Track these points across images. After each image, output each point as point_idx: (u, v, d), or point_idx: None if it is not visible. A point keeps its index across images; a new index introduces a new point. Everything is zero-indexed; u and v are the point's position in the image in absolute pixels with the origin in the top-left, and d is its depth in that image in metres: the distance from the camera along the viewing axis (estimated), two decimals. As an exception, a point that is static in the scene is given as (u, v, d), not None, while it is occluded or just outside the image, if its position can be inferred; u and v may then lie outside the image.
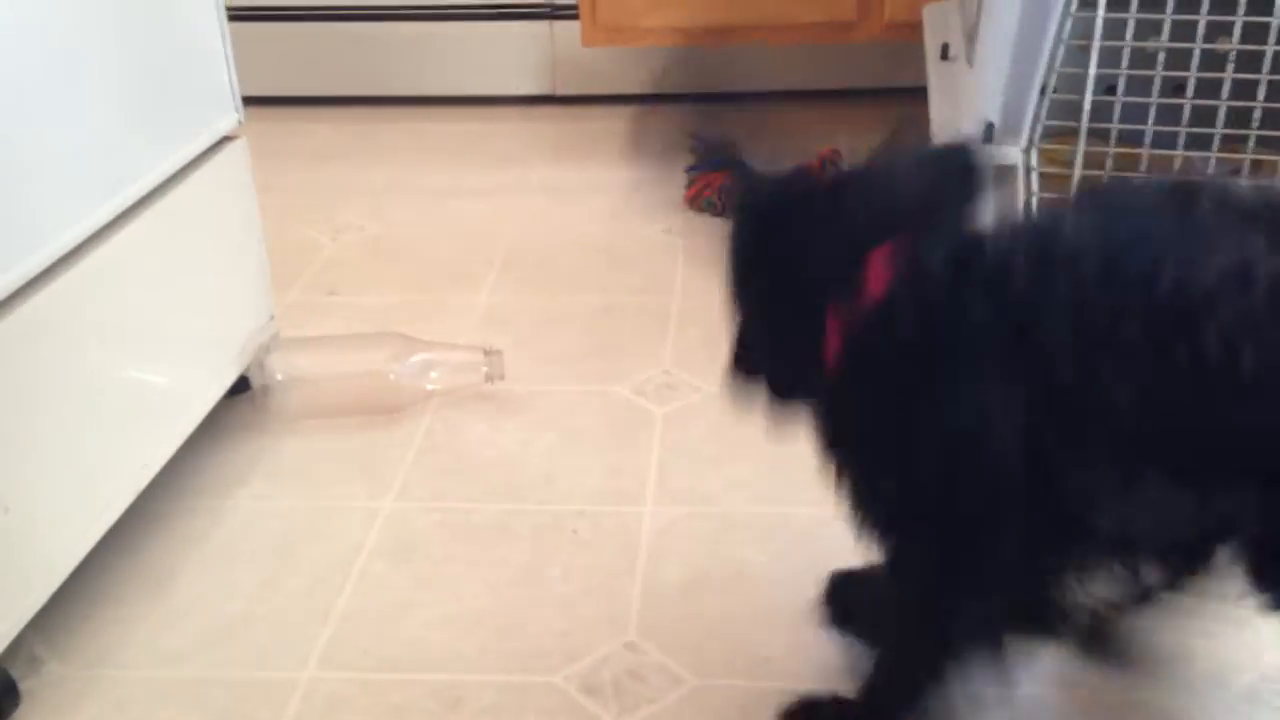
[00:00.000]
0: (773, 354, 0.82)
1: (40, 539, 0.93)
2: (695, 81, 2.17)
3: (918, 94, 1.51)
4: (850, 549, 0.93)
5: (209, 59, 1.17)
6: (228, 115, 1.20)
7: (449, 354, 1.29)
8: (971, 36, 1.25)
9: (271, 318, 1.31)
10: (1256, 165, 1.28)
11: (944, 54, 1.46)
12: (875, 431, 0.75)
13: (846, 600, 0.94)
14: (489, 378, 1.28)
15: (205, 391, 1.17)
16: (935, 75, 1.44)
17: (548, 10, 2.14)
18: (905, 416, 0.73)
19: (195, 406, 1.15)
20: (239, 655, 0.96)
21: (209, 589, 1.03)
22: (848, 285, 0.74)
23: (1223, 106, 1.14)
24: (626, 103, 2.18)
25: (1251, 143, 1.18)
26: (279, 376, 1.23)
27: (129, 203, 1.04)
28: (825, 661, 0.92)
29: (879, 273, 0.73)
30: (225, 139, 1.21)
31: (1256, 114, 1.13)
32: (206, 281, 1.18)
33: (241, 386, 1.28)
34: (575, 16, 1.97)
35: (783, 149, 1.88)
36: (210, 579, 1.04)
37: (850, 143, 1.85)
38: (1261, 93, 1.12)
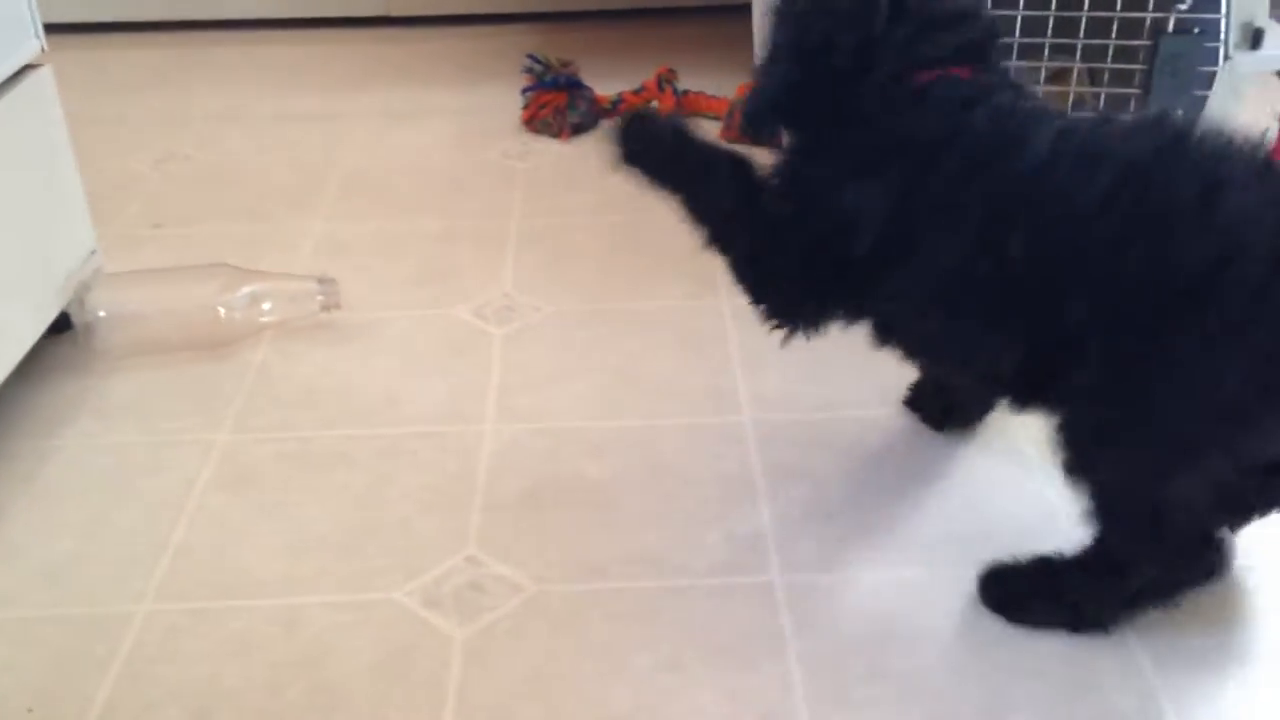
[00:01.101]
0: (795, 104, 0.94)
1: None
2: (530, 1, 2.15)
3: (749, 12, 1.54)
4: (674, 458, 0.97)
5: (2, -17, 1.12)
6: (28, 42, 1.15)
7: (282, 284, 1.27)
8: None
9: (93, 252, 1.27)
10: (1053, 73, 1.35)
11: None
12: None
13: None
14: (325, 307, 1.27)
15: (23, 330, 1.14)
16: (760, -9, 1.46)
17: (378, -71, 2.08)
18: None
19: (12, 346, 1.12)
20: (72, 593, 0.95)
21: (38, 529, 1.01)
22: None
23: (1019, 16, 1.19)
24: (463, 24, 2.14)
25: (1046, 51, 1.24)
26: (102, 313, 1.20)
27: (-78, 136, 0.99)
28: (659, 560, 0.96)
29: (925, 78, 0.87)
30: (27, 67, 1.16)
31: (1050, 23, 1.19)
32: (17, 216, 1.14)
33: (63, 325, 1.25)
34: (406, -65, 1.93)
35: (618, 69, 1.88)
36: (39, 518, 1.03)
37: (684, 61, 1.87)
38: (1053, 2, 1.18)
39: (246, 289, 1.24)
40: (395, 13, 2.15)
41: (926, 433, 1.11)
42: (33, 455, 1.10)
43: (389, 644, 0.89)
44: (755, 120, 0.97)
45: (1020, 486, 1.04)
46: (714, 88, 1.79)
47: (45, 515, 1.03)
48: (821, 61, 0.89)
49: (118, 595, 0.94)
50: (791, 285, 0.94)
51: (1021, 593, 0.90)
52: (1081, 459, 0.84)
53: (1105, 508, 0.85)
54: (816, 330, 0.96)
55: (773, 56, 0.94)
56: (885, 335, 0.95)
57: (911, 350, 0.97)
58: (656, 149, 0.98)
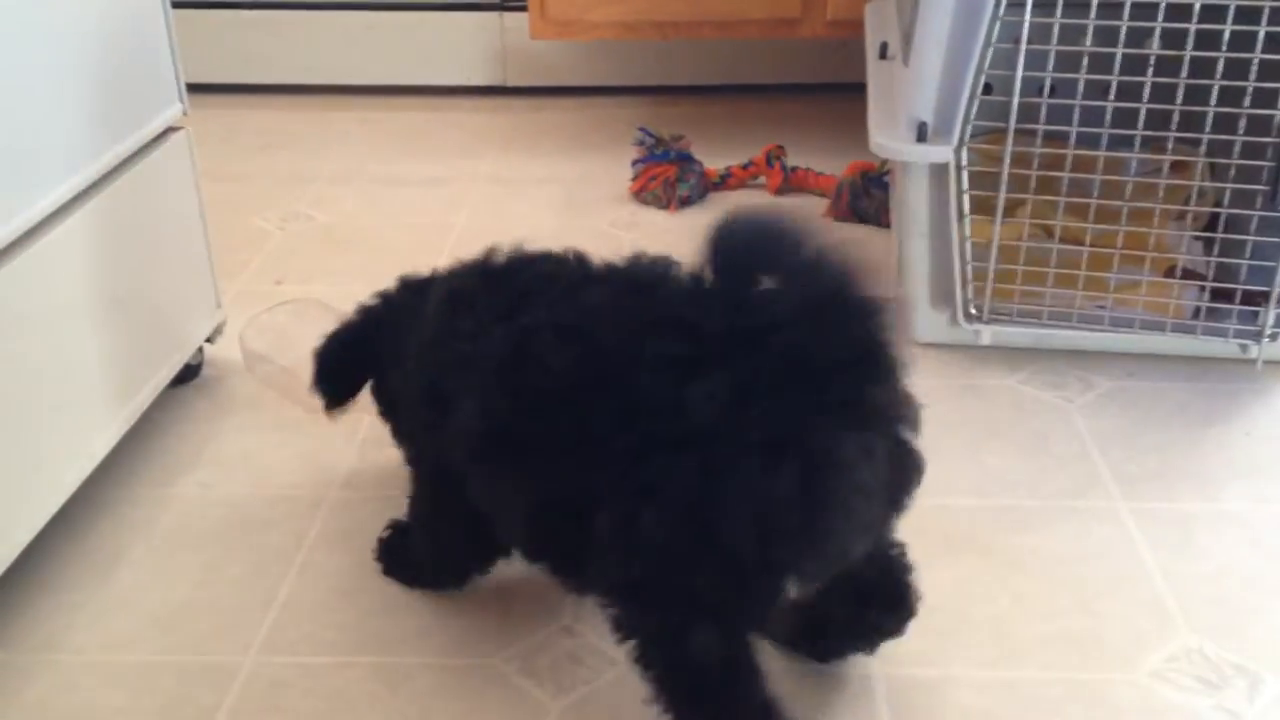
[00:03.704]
0: None
1: (-16, 526, 0.94)
2: (643, 75, 2.20)
3: (860, 91, 1.55)
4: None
5: (154, 51, 1.18)
6: (172, 107, 1.21)
7: None
8: (908, 36, 1.28)
9: (218, 306, 1.32)
10: (1176, 165, 1.33)
11: (882, 53, 1.49)
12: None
13: None
14: None
15: (151, 380, 1.19)
16: (874, 74, 1.47)
17: (498, 2, 2.15)
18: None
19: (141, 394, 1.16)
20: (183, 640, 0.98)
21: (154, 575, 1.05)
22: None
23: (1143, 109, 1.18)
24: (576, 94, 2.20)
25: (1170, 144, 1.22)
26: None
27: (71, 195, 1.05)
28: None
29: None
30: (169, 130, 1.21)
31: (1175, 116, 1.18)
32: (151, 271, 1.19)
33: (188, 375, 1.29)
34: (525, 8, 1.99)
35: (727, 143, 1.91)
36: (155, 565, 1.06)
37: (793, 138, 1.88)
38: (1179, 96, 1.17)
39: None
40: (511, 82, 2.21)
41: (1031, 524, 1.09)
42: (152, 503, 1.14)
43: (486, 710, 0.90)
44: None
45: (1135, 585, 1.02)
46: (822, 165, 1.80)
47: (161, 563, 1.06)
48: None
49: (226, 646, 0.97)
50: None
51: None
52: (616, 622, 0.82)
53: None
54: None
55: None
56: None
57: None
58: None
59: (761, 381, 0.73)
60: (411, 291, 1.04)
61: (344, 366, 1.06)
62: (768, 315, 0.73)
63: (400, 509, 1.13)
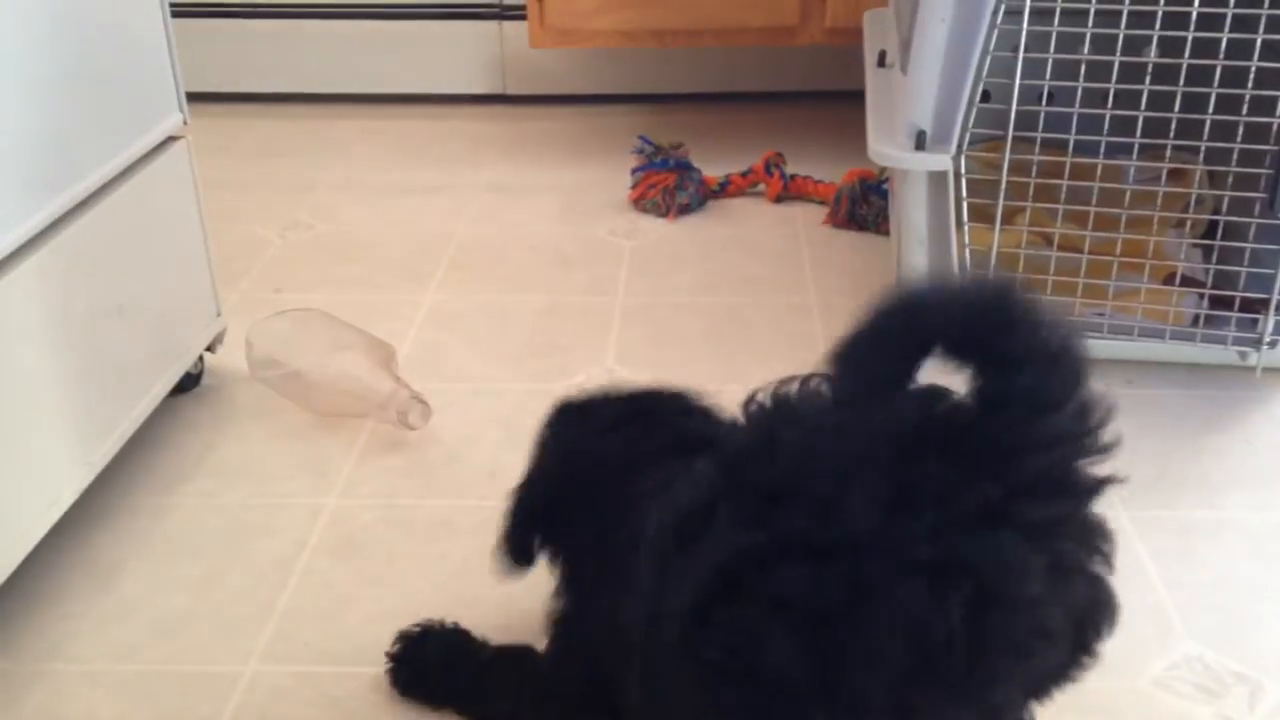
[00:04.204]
0: None
1: (-16, 536, 0.94)
2: (642, 83, 2.20)
3: (859, 98, 1.55)
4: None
5: (154, 60, 1.18)
6: (172, 116, 1.22)
7: (384, 387, 1.23)
8: (907, 44, 1.28)
9: (218, 314, 1.32)
10: (1174, 173, 1.33)
11: (881, 61, 1.50)
12: None
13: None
14: (400, 422, 1.22)
15: (151, 389, 1.19)
16: (872, 81, 1.48)
17: (497, 10, 2.16)
18: None
19: (140, 404, 1.17)
20: (183, 649, 0.98)
21: (154, 584, 1.05)
22: None
23: (1141, 116, 1.18)
24: (576, 103, 2.20)
25: (1168, 151, 1.22)
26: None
27: (72, 203, 1.05)
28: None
29: None
30: (169, 139, 1.22)
31: (1173, 124, 1.18)
32: (150, 280, 1.19)
33: (188, 384, 1.29)
34: (524, 17, 1.99)
35: (726, 151, 1.91)
36: (155, 575, 1.06)
37: (792, 145, 1.89)
38: (1177, 104, 1.17)
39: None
40: (511, 91, 2.21)
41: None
42: (152, 512, 1.14)
43: None
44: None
45: (1136, 593, 1.01)
46: (821, 173, 1.80)
47: (161, 572, 1.06)
48: None
49: (226, 655, 0.97)
50: None
51: None
52: None
53: None
54: None
55: None
56: None
57: None
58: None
59: (933, 482, 0.57)
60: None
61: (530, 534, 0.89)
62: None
63: (401, 518, 1.13)
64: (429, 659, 0.92)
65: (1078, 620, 0.62)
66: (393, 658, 0.93)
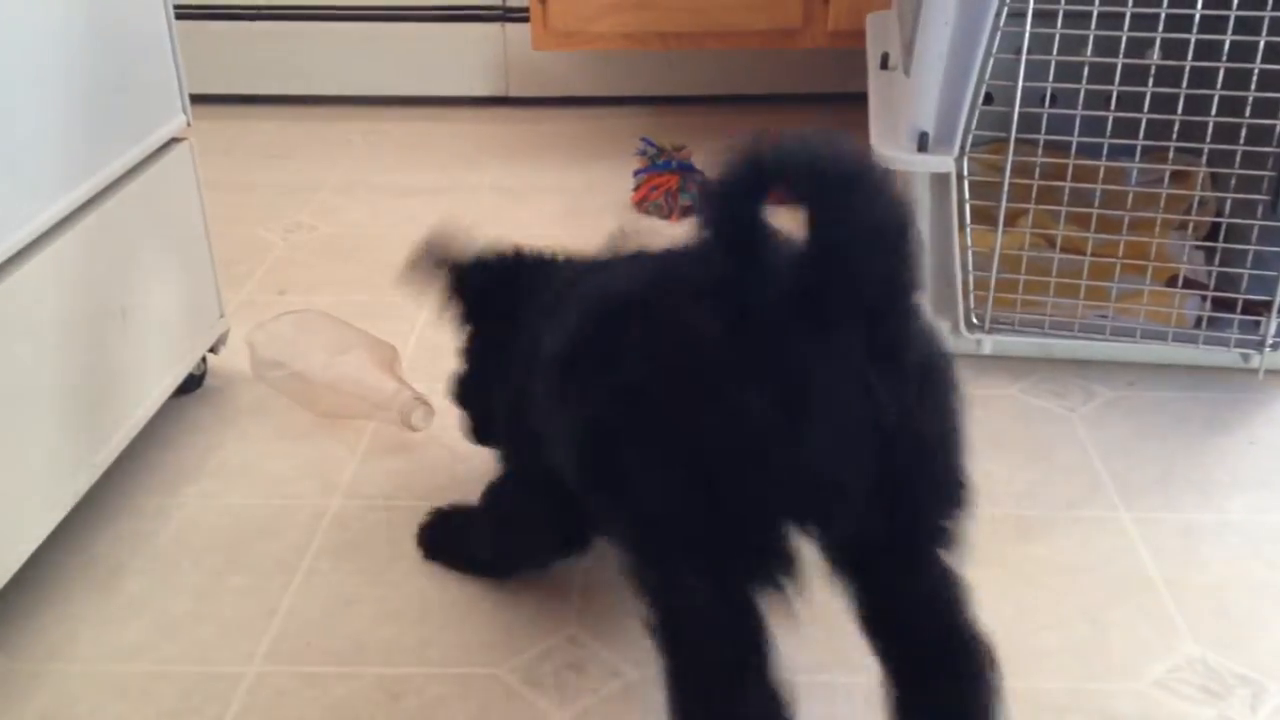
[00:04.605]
0: None
1: (-12, 537, 0.94)
2: (645, 85, 2.20)
3: (861, 101, 1.55)
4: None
5: (157, 62, 1.18)
6: (175, 118, 1.22)
7: (385, 388, 1.23)
8: (909, 46, 1.28)
9: (221, 316, 1.32)
10: (1177, 175, 1.34)
11: (884, 63, 1.50)
12: None
13: None
14: (403, 423, 1.22)
15: (154, 390, 1.19)
16: (875, 84, 1.48)
17: (500, 13, 2.16)
18: None
19: (144, 405, 1.17)
20: (186, 650, 0.98)
21: (157, 585, 1.05)
22: None
23: (1144, 119, 1.18)
24: (578, 105, 2.20)
25: (1171, 153, 1.23)
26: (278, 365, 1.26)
27: (74, 206, 1.05)
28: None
29: None
30: (172, 140, 1.22)
31: (1176, 126, 1.18)
32: (154, 282, 1.19)
33: (192, 385, 1.30)
34: (527, 19, 2.00)
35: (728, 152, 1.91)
36: (158, 576, 1.06)
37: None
38: (1180, 106, 1.17)
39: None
40: (514, 93, 2.22)
41: (1034, 534, 1.09)
42: (156, 513, 1.14)
43: (489, 720, 0.90)
44: None
45: (1138, 595, 1.01)
46: (824, 175, 1.80)
47: (163, 572, 1.06)
48: None
49: (229, 656, 0.97)
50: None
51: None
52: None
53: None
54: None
55: None
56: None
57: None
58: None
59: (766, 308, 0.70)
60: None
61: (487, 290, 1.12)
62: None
63: (403, 519, 1.13)
64: (451, 526, 1.07)
65: (889, 402, 0.70)
66: (422, 528, 1.08)
